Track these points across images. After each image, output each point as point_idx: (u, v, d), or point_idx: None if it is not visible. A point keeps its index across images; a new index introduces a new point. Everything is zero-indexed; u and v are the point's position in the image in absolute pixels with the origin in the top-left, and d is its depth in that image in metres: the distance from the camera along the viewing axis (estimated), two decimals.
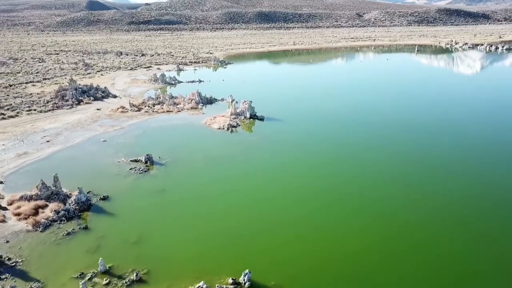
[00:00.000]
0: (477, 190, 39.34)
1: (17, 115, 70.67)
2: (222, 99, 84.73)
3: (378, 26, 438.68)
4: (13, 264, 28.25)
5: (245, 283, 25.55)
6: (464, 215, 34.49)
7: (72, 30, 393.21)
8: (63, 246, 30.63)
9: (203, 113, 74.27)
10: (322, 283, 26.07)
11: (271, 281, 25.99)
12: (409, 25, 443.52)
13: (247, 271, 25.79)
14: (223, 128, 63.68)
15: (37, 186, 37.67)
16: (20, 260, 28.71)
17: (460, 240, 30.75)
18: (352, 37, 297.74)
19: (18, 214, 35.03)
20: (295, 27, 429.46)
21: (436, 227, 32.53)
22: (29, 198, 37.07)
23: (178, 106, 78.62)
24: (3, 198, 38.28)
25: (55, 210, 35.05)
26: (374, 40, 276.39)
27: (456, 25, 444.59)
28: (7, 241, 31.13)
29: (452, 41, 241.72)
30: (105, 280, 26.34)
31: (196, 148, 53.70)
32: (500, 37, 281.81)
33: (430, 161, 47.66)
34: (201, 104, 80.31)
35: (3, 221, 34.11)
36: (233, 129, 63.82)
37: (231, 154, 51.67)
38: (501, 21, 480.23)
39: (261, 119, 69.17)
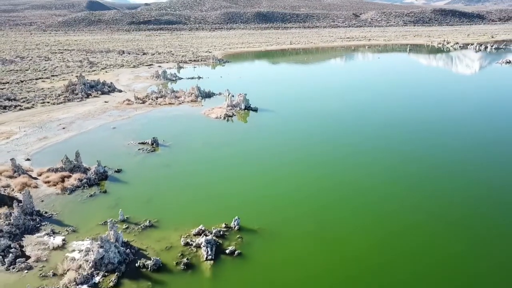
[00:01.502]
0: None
1: (33, 107, 77.53)
2: (220, 93, 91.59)
3: (374, 26, 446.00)
4: (49, 216, 35.19)
5: (235, 227, 32.48)
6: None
7: (74, 30, 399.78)
8: (88, 204, 37.61)
9: (202, 105, 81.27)
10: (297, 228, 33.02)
11: (256, 225, 32.93)
12: (404, 25, 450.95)
13: (236, 217, 32.76)
14: (220, 118, 70.66)
15: (61, 160, 44.57)
16: (55, 213, 35.65)
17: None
18: (348, 37, 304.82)
19: (47, 182, 41.96)
20: (293, 27, 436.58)
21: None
22: (55, 170, 43.98)
23: (179, 99, 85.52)
24: (32, 171, 45.19)
25: (78, 179, 41.97)
26: (369, 40, 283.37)
27: (451, 25, 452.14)
28: (42, 201, 38.05)
29: (444, 40, 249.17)
30: (125, 225, 33.26)
31: (196, 134, 60.73)
32: (492, 37, 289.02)
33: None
34: (200, 98, 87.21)
35: (36, 187, 41.02)
36: (229, 118, 70.81)
37: (226, 138, 58.86)
38: (496, 21, 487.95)
39: (255, 110, 76.15)
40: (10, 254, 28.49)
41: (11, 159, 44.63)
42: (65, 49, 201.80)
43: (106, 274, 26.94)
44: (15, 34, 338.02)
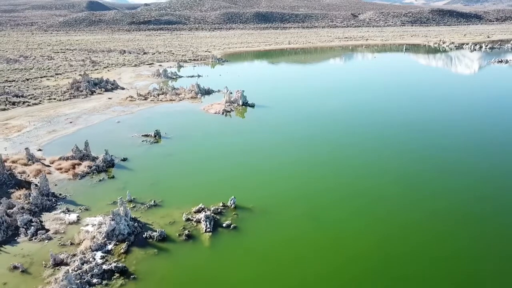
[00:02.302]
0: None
1: (40, 103, 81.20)
2: (219, 91, 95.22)
3: (373, 26, 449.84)
4: (63, 197, 38.90)
5: (231, 205, 36.23)
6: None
7: (75, 30, 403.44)
8: (98, 187, 41.37)
9: (201, 102, 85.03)
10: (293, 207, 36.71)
11: (250, 205, 36.65)
12: (402, 25, 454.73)
13: (233, 197, 36.51)
14: (219, 113, 74.38)
15: (72, 149, 48.27)
16: (68, 195, 39.36)
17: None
18: (346, 37, 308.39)
19: (59, 169, 45.67)
20: (292, 27, 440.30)
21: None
22: (66, 158, 47.68)
23: (179, 96, 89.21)
24: (45, 160, 48.85)
25: (88, 166, 45.67)
26: (367, 39, 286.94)
27: (449, 25, 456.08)
28: (56, 185, 41.73)
29: (440, 40, 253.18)
30: (132, 205, 36.93)
31: (196, 127, 64.48)
32: (488, 37, 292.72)
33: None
34: (200, 94, 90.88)
35: (49, 173, 44.68)
36: (227, 113, 74.56)
37: (224, 130, 62.84)
38: (493, 21, 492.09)
39: (252, 106, 79.92)
40: (32, 227, 32.21)
41: (25, 149, 48.32)
42: (67, 49, 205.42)
43: (117, 243, 30.65)
44: (17, 34, 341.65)
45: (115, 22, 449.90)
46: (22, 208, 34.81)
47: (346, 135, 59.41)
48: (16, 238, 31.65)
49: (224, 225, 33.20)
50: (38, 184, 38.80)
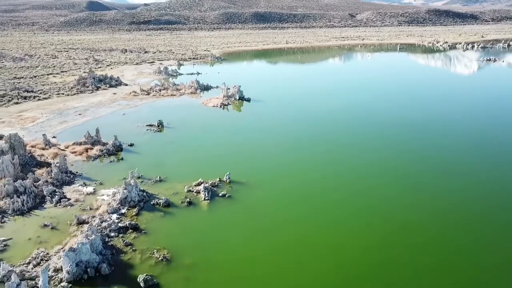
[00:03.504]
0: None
1: (50, 97, 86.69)
2: (217, 87, 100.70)
3: (370, 26, 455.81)
4: (80, 174, 44.46)
5: (227, 180, 41.80)
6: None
7: (76, 30, 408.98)
8: (109, 167, 46.96)
9: (201, 96, 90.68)
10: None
11: (243, 180, 42.22)
12: (399, 25, 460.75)
13: (228, 173, 42.10)
14: (217, 106, 79.98)
15: (84, 136, 53.82)
16: (84, 173, 44.94)
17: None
18: (343, 37, 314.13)
19: (74, 152, 51.22)
20: (290, 27, 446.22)
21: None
22: (79, 143, 53.23)
23: (180, 91, 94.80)
24: (60, 145, 54.43)
25: (99, 150, 51.21)
26: (363, 39, 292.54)
27: (445, 25, 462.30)
28: (72, 165, 47.24)
29: (434, 40, 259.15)
30: (140, 180, 42.44)
31: (195, 118, 70.08)
32: (483, 37, 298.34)
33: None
34: (199, 90, 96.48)
35: (65, 155, 50.14)
36: (225, 107, 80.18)
37: (222, 121, 68.53)
38: (489, 21, 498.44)
39: (248, 100, 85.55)
40: (56, 196, 37.77)
41: (43, 135, 53.88)
42: (70, 48, 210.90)
43: (129, 208, 36.21)
44: (19, 34, 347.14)
45: (116, 22, 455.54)
46: (46, 181, 40.36)
47: (334, 123, 65.01)
48: (43, 205, 37.20)
49: (220, 194, 38.79)
50: (57, 164, 44.30)
